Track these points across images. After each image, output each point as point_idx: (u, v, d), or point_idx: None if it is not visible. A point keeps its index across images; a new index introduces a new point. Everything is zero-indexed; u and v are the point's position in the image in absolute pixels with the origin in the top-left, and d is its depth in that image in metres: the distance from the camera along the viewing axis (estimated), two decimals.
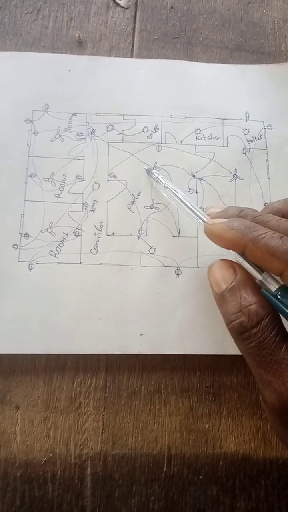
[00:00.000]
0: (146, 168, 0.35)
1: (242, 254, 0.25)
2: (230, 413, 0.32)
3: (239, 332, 0.23)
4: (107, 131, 0.36)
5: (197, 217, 0.29)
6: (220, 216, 0.28)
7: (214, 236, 0.26)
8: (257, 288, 0.24)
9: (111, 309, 0.32)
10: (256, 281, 0.25)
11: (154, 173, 0.34)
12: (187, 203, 0.30)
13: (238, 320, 0.23)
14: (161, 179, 0.33)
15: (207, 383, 0.32)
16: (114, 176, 0.35)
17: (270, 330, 0.22)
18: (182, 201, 0.31)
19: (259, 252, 0.23)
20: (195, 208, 0.29)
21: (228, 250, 0.26)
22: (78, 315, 0.32)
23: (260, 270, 0.24)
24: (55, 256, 0.33)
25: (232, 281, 0.24)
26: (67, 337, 0.31)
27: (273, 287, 0.23)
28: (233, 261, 0.26)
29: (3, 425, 0.31)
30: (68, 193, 0.34)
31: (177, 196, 0.31)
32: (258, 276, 0.24)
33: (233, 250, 0.25)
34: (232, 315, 0.23)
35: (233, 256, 0.26)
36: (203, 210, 0.31)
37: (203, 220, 0.28)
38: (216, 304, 0.25)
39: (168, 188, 0.32)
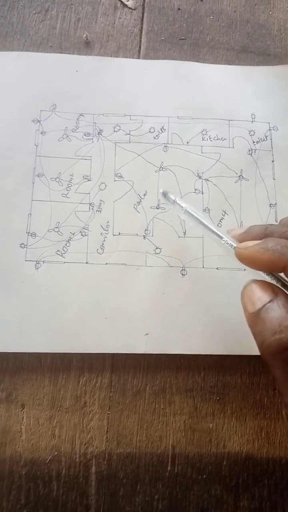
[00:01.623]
0: (162, 191, 0.31)
1: (271, 274, 0.24)
2: (234, 412, 0.32)
3: (278, 350, 0.21)
4: (114, 131, 0.36)
5: (223, 241, 0.27)
6: (245, 238, 0.26)
7: (249, 260, 0.24)
8: None
9: (117, 309, 0.32)
10: None
11: (171, 196, 0.31)
12: (212, 227, 0.28)
13: (277, 337, 0.21)
14: (178, 201, 0.30)
15: (211, 383, 0.32)
16: (121, 176, 0.35)
17: None
18: (205, 225, 0.28)
19: None
20: (220, 232, 0.27)
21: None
22: (84, 314, 0.32)
23: None
24: (61, 256, 0.33)
25: (271, 299, 0.23)
26: (73, 336, 0.32)
27: None
28: (271, 283, 0.24)
29: (9, 424, 0.31)
30: (75, 193, 0.34)
31: (200, 221, 0.29)
32: None
33: (270, 271, 0.24)
34: (268, 333, 0.21)
35: (261, 276, 0.25)
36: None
37: (231, 245, 0.26)
38: (248, 325, 0.24)
39: (188, 211, 0.30)
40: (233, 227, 0.32)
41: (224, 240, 0.27)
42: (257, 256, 0.24)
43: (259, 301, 0.23)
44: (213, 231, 0.28)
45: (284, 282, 0.24)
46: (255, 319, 0.23)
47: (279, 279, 0.24)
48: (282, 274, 0.24)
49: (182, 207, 0.30)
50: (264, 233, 0.26)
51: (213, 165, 0.35)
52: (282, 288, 0.24)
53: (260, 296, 0.23)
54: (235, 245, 0.26)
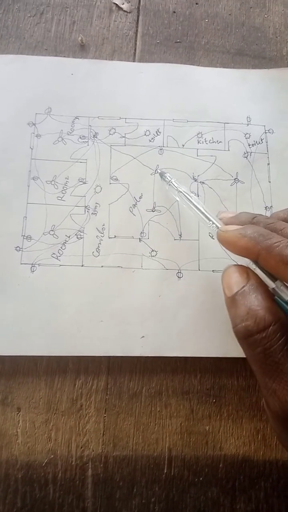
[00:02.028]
0: (159, 171, 0.35)
1: (256, 262, 0.25)
2: (230, 415, 0.32)
3: (244, 336, 0.22)
4: (110, 134, 0.36)
5: (210, 222, 0.29)
6: (232, 222, 0.28)
7: (228, 243, 0.26)
8: (269, 295, 0.24)
9: (113, 312, 0.32)
10: (269, 289, 0.24)
11: (168, 177, 0.34)
12: (201, 208, 0.30)
13: (244, 324, 0.22)
14: (174, 182, 0.33)
15: (207, 385, 0.32)
16: (116, 179, 0.35)
17: (278, 338, 0.22)
18: (195, 206, 0.30)
19: (273, 260, 0.23)
20: (208, 214, 0.29)
21: (240, 257, 0.25)
22: (80, 317, 0.32)
23: (273, 278, 0.24)
24: (57, 259, 0.33)
25: (244, 285, 0.24)
26: (69, 339, 0.32)
27: (287, 295, 0.23)
28: (247, 267, 0.25)
29: (5, 427, 0.31)
30: (70, 196, 0.34)
31: (190, 201, 0.31)
32: (271, 284, 0.24)
33: (246, 258, 0.25)
34: (238, 318, 0.23)
35: (246, 262, 0.26)
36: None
37: (216, 226, 0.28)
38: (226, 308, 0.25)
39: (181, 192, 0.32)
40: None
41: (210, 222, 0.28)
42: (235, 241, 0.25)
43: (235, 286, 0.24)
44: (202, 213, 0.30)
45: (263, 271, 0.25)
46: (230, 303, 0.24)
47: (261, 268, 0.25)
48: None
49: (176, 187, 0.32)
50: (251, 221, 0.26)
51: (208, 168, 0.36)
52: (263, 276, 0.24)
53: (237, 281, 0.24)
54: (219, 226, 0.28)
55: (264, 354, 0.22)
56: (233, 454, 0.31)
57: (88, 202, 0.34)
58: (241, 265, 0.25)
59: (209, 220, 0.29)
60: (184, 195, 0.32)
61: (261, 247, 0.23)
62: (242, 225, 0.26)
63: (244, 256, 0.25)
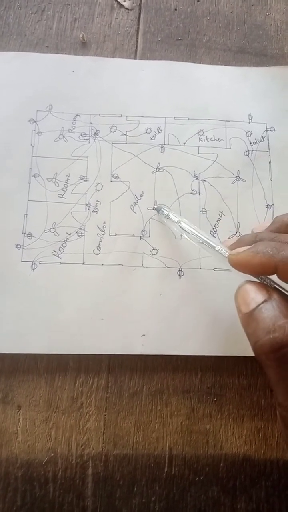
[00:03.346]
0: (155, 206, 0.34)
1: (267, 278, 0.24)
2: (231, 414, 0.32)
3: (271, 350, 0.21)
4: (111, 132, 0.36)
5: (216, 251, 0.27)
6: (237, 246, 0.27)
7: (241, 264, 0.25)
8: None
9: (114, 310, 0.32)
10: None
11: (164, 210, 0.33)
12: (206, 239, 0.29)
13: (271, 336, 0.21)
14: (172, 215, 0.32)
15: (208, 384, 0.32)
16: (117, 177, 0.35)
17: None
18: (200, 237, 0.29)
19: None
20: (214, 242, 0.28)
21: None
22: (81, 316, 0.32)
23: None
24: (58, 256, 0.33)
25: (265, 300, 0.23)
26: (69, 337, 0.32)
27: None
28: (265, 284, 0.24)
29: (5, 425, 0.31)
30: (71, 193, 0.34)
31: (194, 233, 0.30)
32: None
33: (263, 275, 0.24)
34: (261, 332, 0.21)
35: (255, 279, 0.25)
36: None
37: (223, 254, 0.27)
38: (242, 326, 0.24)
39: (182, 226, 0.31)
40: (229, 228, 0.34)
41: (218, 248, 0.27)
42: (249, 260, 0.24)
43: (253, 302, 0.23)
44: (207, 242, 0.28)
45: (277, 287, 0.24)
46: (248, 319, 0.23)
47: (272, 284, 0.24)
48: (275, 277, 0.24)
49: (175, 221, 0.31)
50: (254, 240, 0.26)
51: (210, 166, 0.35)
52: (277, 287, 0.24)
53: (254, 297, 0.23)
54: (228, 253, 0.26)
55: None
56: (234, 453, 0.31)
57: (89, 199, 0.34)
58: (258, 282, 0.24)
59: (215, 248, 0.27)
60: (185, 227, 0.30)
61: (277, 260, 0.22)
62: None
63: (260, 274, 0.24)
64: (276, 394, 0.22)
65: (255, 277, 0.25)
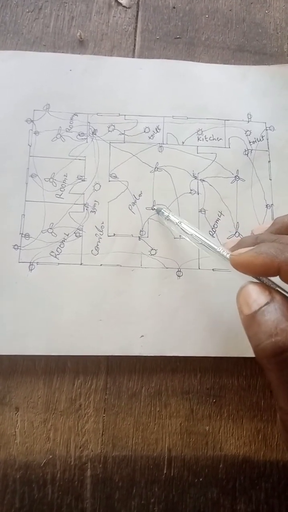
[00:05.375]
0: (156, 207, 0.34)
1: (268, 280, 0.24)
2: (230, 415, 0.32)
3: (273, 354, 0.21)
4: (109, 131, 0.35)
5: (217, 253, 0.27)
6: (238, 248, 0.26)
7: (244, 265, 0.24)
8: None
9: (112, 311, 0.32)
10: None
11: (164, 212, 0.33)
12: (206, 241, 0.28)
13: (273, 339, 0.21)
14: (172, 217, 0.32)
15: (207, 385, 0.32)
16: (116, 176, 0.35)
17: None
18: (201, 239, 0.29)
19: None
20: (215, 244, 0.28)
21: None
22: (79, 316, 0.32)
23: None
24: (55, 257, 0.33)
25: (268, 302, 0.22)
26: (68, 338, 0.31)
27: None
28: (267, 285, 0.24)
29: (3, 427, 0.31)
30: (69, 193, 0.34)
31: (195, 235, 0.29)
32: None
33: (265, 276, 0.24)
34: (263, 335, 0.21)
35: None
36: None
37: (224, 255, 0.26)
38: (243, 327, 0.23)
39: (181, 225, 0.31)
40: (228, 229, 0.34)
41: (219, 250, 0.27)
42: (252, 261, 0.23)
43: (255, 303, 0.23)
44: (207, 243, 0.28)
45: (279, 289, 0.24)
46: (250, 321, 0.23)
47: (274, 286, 0.24)
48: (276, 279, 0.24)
49: (176, 223, 0.31)
50: (255, 242, 0.25)
51: (208, 166, 0.35)
52: (280, 290, 0.24)
53: (256, 299, 0.23)
54: (229, 254, 0.26)
55: None
56: (233, 455, 0.31)
57: (87, 199, 0.34)
58: (260, 283, 0.24)
59: (216, 249, 0.27)
60: (186, 230, 0.30)
61: (280, 260, 0.22)
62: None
63: (262, 275, 0.24)
64: (276, 397, 0.22)
65: (256, 278, 0.24)
